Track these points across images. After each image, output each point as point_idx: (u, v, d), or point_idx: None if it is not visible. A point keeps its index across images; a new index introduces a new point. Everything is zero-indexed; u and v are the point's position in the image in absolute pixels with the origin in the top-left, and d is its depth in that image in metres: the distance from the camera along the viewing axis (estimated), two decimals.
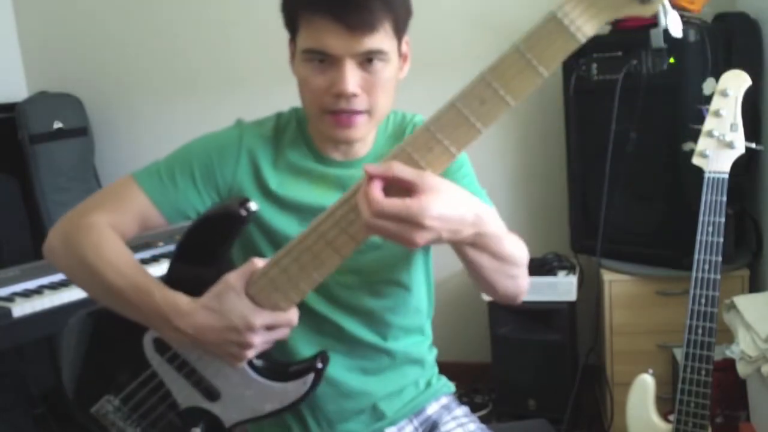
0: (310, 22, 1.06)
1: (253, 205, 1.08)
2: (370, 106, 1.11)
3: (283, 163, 1.21)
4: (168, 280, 1.12)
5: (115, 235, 1.15)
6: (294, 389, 1.14)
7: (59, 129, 2.89)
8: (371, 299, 1.23)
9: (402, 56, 1.16)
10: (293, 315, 1.06)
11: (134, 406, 1.20)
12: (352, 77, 1.07)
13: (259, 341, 1.04)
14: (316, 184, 1.20)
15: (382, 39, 1.07)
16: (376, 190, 0.90)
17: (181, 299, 1.06)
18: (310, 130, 1.22)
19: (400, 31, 1.11)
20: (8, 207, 2.78)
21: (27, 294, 2.11)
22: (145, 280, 1.10)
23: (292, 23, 1.11)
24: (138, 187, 1.17)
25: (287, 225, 1.18)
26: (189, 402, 1.17)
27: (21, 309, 2.00)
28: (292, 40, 1.13)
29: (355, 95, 1.08)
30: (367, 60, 1.08)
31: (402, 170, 0.90)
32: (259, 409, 1.15)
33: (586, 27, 0.83)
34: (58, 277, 2.23)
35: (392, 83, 1.13)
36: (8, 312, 1.98)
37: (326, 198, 1.17)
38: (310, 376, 1.14)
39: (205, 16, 3.06)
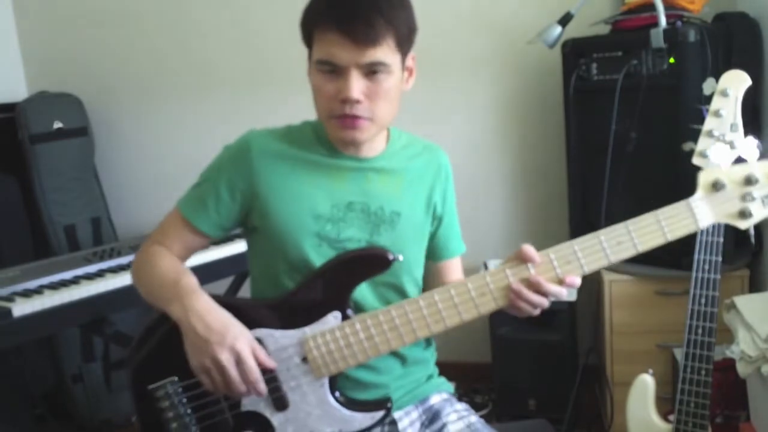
0: (323, 36, 1.20)
1: (400, 257, 1.25)
2: (372, 114, 1.24)
3: (296, 159, 1.31)
4: (288, 298, 1.26)
5: (162, 250, 1.33)
6: (360, 419, 1.25)
7: (59, 129, 2.88)
8: (393, 293, 1.34)
9: (406, 70, 1.29)
10: (262, 381, 1.19)
11: (196, 396, 1.24)
12: (357, 85, 1.20)
13: (225, 358, 1.16)
14: (333, 175, 1.31)
15: (384, 52, 1.20)
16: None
17: (204, 292, 1.22)
18: (328, 135, 1.31)
19: (402, 46, 1.24)
20: (8, 207, 2.78)
21: (27, 294, 2.10)
22: (180, 271, 1.28)
23: (308, 38, 1.25)
24: (181, 214, 1.34)
25: (300, 217, 1.28)
26: (252, 406, 1.24)
27: (21, 309, 2.00)
28: (309, 54, 1.26)
29: (358, 101, 1.21)
30: (371, 71, 1.21)
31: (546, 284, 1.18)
32: (317, 429, 1.24)
33: (705, 219, 1.17)
34: (58, 277, 2.23)
35: (394, 93, 1.26)
36: (8, 312, 1.97)
37: (343, 186, 1.30)
38: (380, 413, 1.26)
39: (205, 18, 3.06)
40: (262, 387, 1.19)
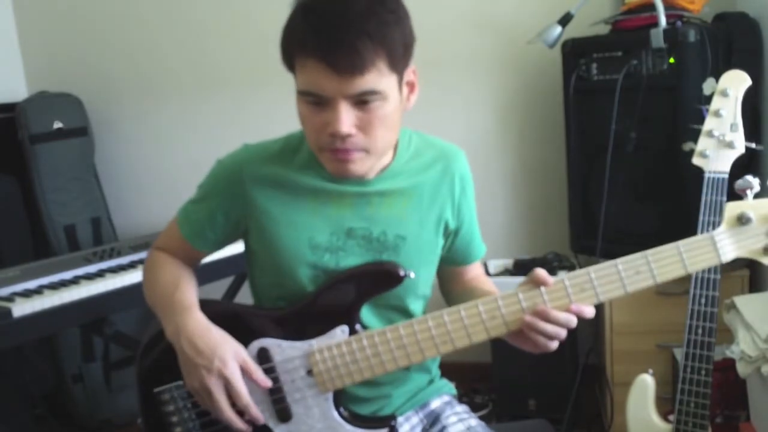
0: (303, 64, 1.08)
1: (412, 274, 1.21)
2: (367, 145, 1.12)
3: (293, 186, 1.23)
4: (297, 309, 1.23)
5: (166, 257, 1.33)
6: None
7: (59, 129, 2.88)
8: (398, 315, 1.28)
9: (407, 85, 1.17)
10: (253, 406, 1.16)
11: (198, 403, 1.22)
12: (346, 118, 1.08)
13: (213, 383, 1.13)
14: (333, 201, 1.23)
15: (375, 79, 1.07)
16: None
17: (197, 310, 1.20)
18: None
19: (398, 66, 1.10)
20: (8, 207, 2.78)
21: (27, 294, 2.10)
22: (177, 283, 1.26)
23: (289, 63, 1.13)
24: (178, 229, 1.31)
25: (296, 247, 1.23)
26: None
27: (21, 309, 2.00)
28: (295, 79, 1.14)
29: (349, 135, 1.09)
30: (362, 101, 1.08)
31: (556, 315, 1.12)
32: None
33: (729, 253, 1.11)
34: (58, 277, 2.23)
35: (393, 118, 1.13)
36: (8, 312, 1.98)
37: (343, 212, 1.23)
38: (384, 431, 1.24)
39: (206, 17, 3.06)
40: (254, 412, 1.16)
